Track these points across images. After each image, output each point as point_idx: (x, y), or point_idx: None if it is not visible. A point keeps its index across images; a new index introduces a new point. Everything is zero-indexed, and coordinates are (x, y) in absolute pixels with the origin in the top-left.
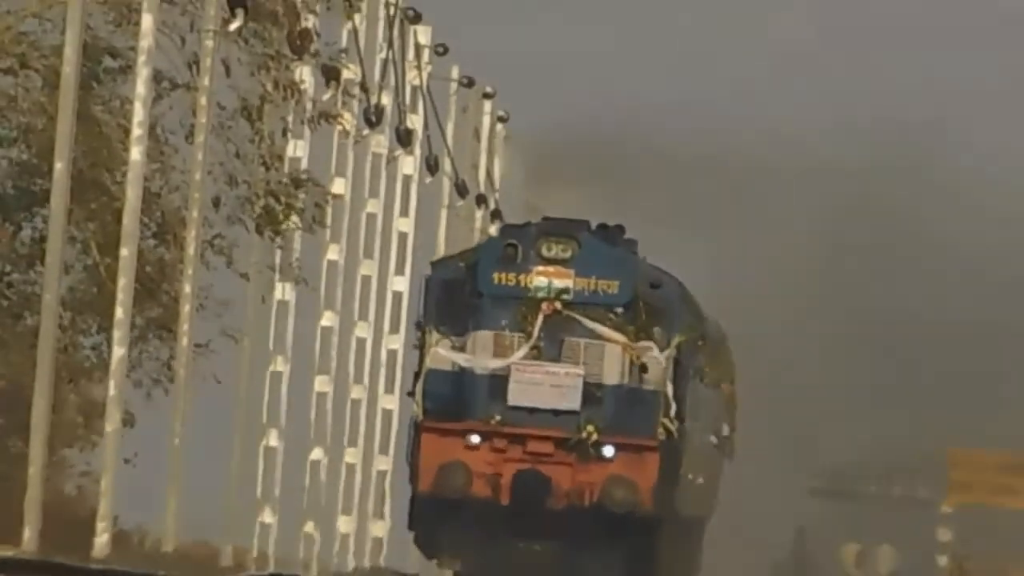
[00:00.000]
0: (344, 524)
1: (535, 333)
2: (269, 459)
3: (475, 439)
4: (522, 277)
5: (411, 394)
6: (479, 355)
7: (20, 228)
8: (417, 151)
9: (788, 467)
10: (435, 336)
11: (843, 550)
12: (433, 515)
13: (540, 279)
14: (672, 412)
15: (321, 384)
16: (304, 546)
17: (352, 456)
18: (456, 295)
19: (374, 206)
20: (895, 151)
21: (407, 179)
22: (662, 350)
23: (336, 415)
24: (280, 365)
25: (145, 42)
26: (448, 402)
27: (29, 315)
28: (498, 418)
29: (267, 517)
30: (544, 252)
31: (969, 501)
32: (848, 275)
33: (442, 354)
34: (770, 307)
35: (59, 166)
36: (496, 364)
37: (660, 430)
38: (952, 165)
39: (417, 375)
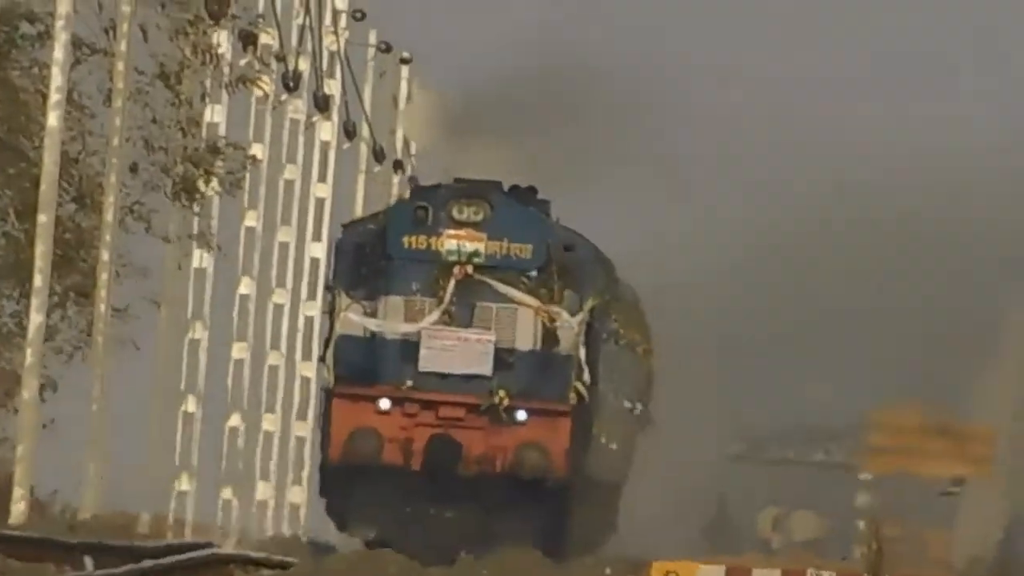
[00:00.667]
0: (262, 491)
1: (447, 298)
2: (187, 425)
3: (386, 405)
4: (433, 240)
5: (322, 359)
6: (390, 320)
7: None
8: (335, 116)
9: (710, 433)
10: (345, 300)
11: (761, 515)
12: (344, 482)
13: (451, 242)
14: (585, 376)
15: (239, 351)
16: (222, 513)
17: (270, 423)
18: (366, 258)
19: (292, 172)
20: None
21: (325, 145)
22: (575, 314)
23: (254, 381)
24: (198, 332)
25: (63, 7)
26: (359, 368)
27: None
28: (410, 383)
29: (185, 484)
30: (455, 215)
31: (888, 465)
32: (774, 240)
33: (352, 319)
34: (691, 270)
35: None
36: (407, 329)
37: (572, 395)
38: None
39: (328, 340)
